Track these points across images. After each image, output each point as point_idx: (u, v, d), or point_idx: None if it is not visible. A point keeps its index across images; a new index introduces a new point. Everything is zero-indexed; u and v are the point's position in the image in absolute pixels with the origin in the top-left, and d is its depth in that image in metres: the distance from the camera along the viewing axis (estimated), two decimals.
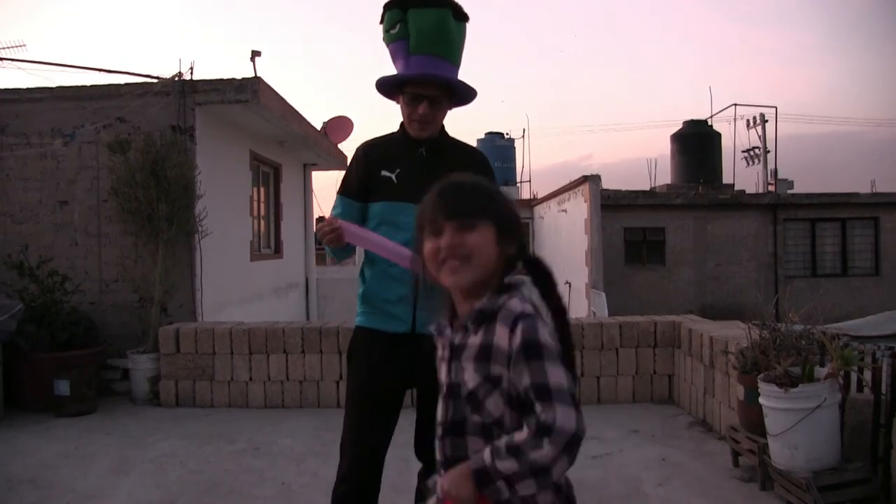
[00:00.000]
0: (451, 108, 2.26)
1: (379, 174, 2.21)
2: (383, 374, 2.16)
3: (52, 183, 6.25)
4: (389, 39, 2.19)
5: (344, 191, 2.29)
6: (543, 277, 1.35)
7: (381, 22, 2.21)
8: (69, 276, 5.88)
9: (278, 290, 9.12)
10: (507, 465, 1.16)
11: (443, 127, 2.27)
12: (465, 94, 2.23)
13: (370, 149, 2.29)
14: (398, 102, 2.22)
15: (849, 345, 3.35)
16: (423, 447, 2.21)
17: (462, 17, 2.19)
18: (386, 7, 2.18)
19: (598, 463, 3.88)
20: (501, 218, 1.33)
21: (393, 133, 2.30)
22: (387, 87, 2.21)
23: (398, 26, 2.14)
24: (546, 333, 1.24)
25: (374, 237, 2.08)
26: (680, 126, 20.02)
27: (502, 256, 1.32)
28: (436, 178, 2.11)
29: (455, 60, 2.19)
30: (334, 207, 2.31)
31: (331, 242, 2.07)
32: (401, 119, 2.25)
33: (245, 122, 7.26)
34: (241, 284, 7.52)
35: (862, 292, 15.09)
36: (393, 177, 2.20)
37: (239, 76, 6.27)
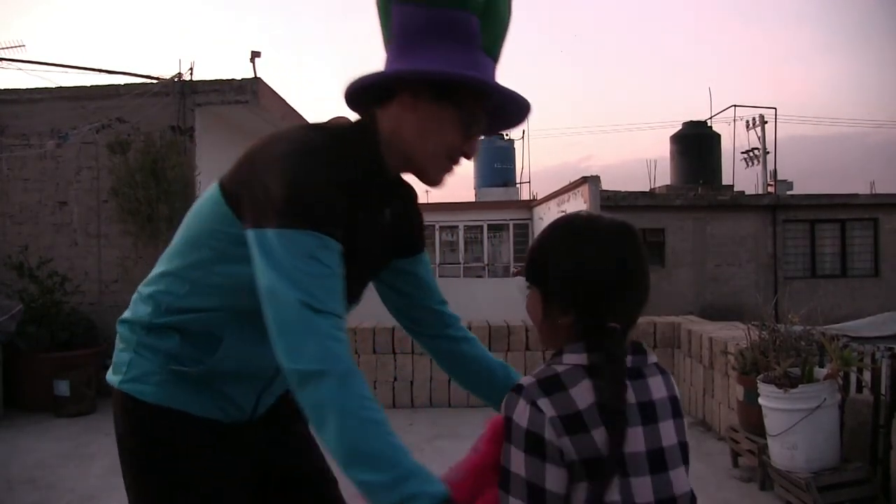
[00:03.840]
0: None
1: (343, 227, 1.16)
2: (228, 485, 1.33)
3: (51, 183, 6.25)
4: (453, 4, 1.10)
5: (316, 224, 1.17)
6: (608, 361, 1.04)
7: None
8: (69, 276, 5.88)
9: None
10: None
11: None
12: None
13: (353, 182, 1.17)
14: (409, 110, 1.16)
15: (848, 346, 3.36)
16: None
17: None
18: None
19: None
20: (547, 282, 1.11)
21: (371, 164, 1.21)
22: (437, 84, 1.13)
23: None
24: (514, 455, 0.99)
25: None
26: (679, 127, 20.00)
27: (555, 325, 1.10)
28: (379, 263, 1.35)
29: None
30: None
31: None
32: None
33: (245, 123, 7.26)
34: None
35: (861, 293, 15.08)
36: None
37: (239, 77, 6.29)
